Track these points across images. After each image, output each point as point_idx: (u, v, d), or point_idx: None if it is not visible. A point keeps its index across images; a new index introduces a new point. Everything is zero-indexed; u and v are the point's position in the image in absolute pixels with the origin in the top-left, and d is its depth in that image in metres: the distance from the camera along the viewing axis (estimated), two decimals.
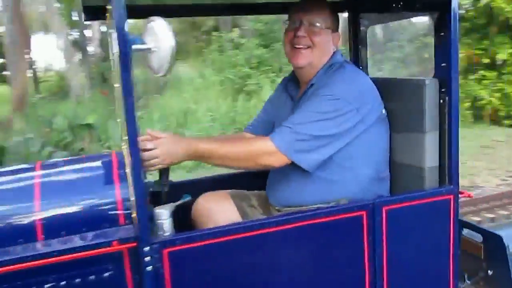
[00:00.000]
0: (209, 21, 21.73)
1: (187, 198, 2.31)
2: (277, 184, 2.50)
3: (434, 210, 2.36)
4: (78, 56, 17.86)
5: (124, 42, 1.70)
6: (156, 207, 2.09)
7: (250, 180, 2.81)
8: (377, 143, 2.43)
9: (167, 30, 1.67)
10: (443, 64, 2.34)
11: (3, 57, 17.97)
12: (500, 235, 2.67)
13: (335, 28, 2.55)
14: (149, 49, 1.71)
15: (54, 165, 2.22)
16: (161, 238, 1.97)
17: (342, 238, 2.21)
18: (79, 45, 17.89)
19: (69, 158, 2.72)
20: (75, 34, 17.59)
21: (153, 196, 2.42)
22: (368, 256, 2.24)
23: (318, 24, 2.44)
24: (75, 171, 2.22)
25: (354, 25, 3.01)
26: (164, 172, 2.38)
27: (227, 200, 2.58)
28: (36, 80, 18.60)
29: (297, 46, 2.45)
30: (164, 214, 2.07)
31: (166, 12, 2.49)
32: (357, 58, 3.04)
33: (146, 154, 2.14)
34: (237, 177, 2.97)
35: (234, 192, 2.66)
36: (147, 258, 1.90)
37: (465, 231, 2.84)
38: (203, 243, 1.99)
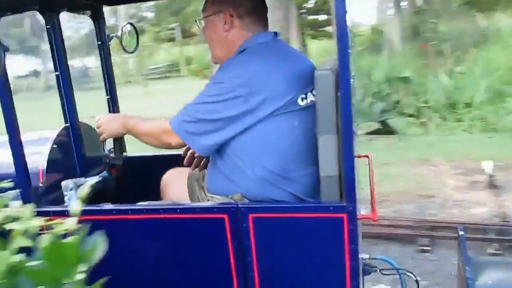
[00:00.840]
0: None
1: (104, 175, 2.55)
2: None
3: (319, 229, 1.95)
4: (390, 10, 17.85)
5: None
6: (64, 181, 2.40)
7: None
8: (282, 137, 2.12)
9: None
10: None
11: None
12: (467, 276, 2.01)
13: (222, 9, 2.25)
14: None
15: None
16: (44, 207, 2.26)
17: (205, 238, 2.09)
18: None
19: None
20: None
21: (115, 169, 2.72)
22: (235, 262, 2.05)
23: (201, 18, 2.33)
24: None
25: None
26: (117, 146, 2.66)
27: (183, 179, 2.64)
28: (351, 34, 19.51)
29: None
30: (66, 187, 2.38)
31: None
32: None
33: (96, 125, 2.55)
34: None
35: (195, 171, 2.70)
36: None
37: None
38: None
